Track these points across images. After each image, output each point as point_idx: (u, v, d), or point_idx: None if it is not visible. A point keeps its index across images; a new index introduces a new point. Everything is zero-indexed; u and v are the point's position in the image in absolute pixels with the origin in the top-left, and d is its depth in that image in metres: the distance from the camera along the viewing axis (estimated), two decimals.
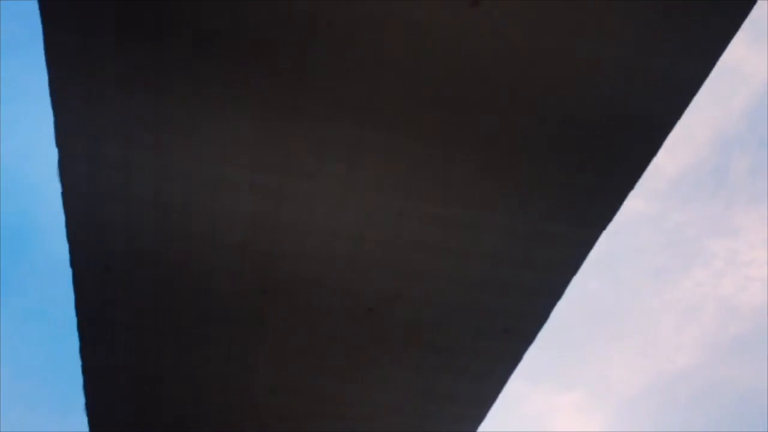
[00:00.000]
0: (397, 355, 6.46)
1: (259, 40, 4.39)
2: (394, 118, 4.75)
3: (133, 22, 4.35)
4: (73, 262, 5.71)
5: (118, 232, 5.53)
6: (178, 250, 5.67)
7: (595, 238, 5.31)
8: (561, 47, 4.32)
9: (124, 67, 4.58)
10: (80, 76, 4.64)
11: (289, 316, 6.17)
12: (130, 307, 6.10)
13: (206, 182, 5.21)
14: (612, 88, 4.51)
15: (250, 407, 7.13)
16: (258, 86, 4.62)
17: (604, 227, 5.23)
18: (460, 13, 4.20)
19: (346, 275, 5.81)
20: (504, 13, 4.17)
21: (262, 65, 4.51)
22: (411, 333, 6.25)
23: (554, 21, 4.20)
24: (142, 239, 5.59)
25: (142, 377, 6.77)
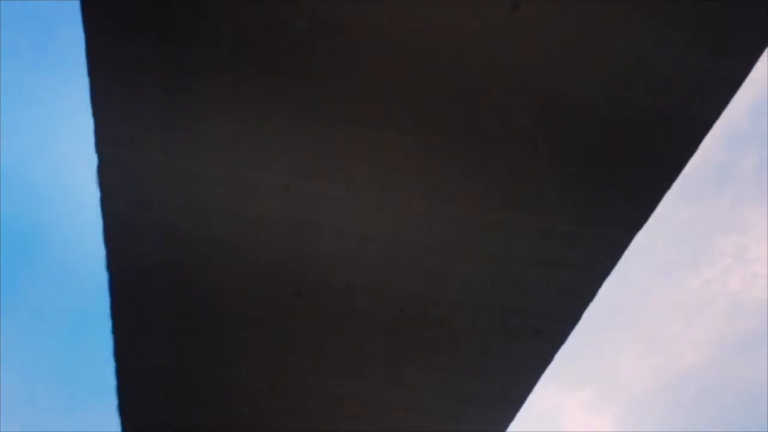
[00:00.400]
0: (429, 356, 6.49)
1: (296, 46, 4.42)
2: (430, 120, 4.78)
3: (173, 29, 4.39)
4: (110, 267, 5.76)
5: (155, 236, 5.58)
6: (213, 254, 5.71)
7: (630, 238, 5.33)
8: (598, 48, 4.35)
9: (163, 73, 4.63)
10: (120, 83, 4.69)
11: (322, 318, 6.21)
12: (165, 311, 6.15)
13: (242, 187, 5.25)
14: (649, 88, 4.53)
15: (283, 409, 7.17)
16: (295, 91, 4.66)
17: (639, 227, 5.26)
18: (500, 16, 4.23)
19: (378, 277, 5.84)
20: (543, 15, 4.20)
21: (299, 70, 4.55)
22: (442, 334, 6.29)
23: (592, 23, 4.23)
24: (178, 244, 5.63)
25: (176, 380, 6.82)
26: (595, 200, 5.14)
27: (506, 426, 7.30)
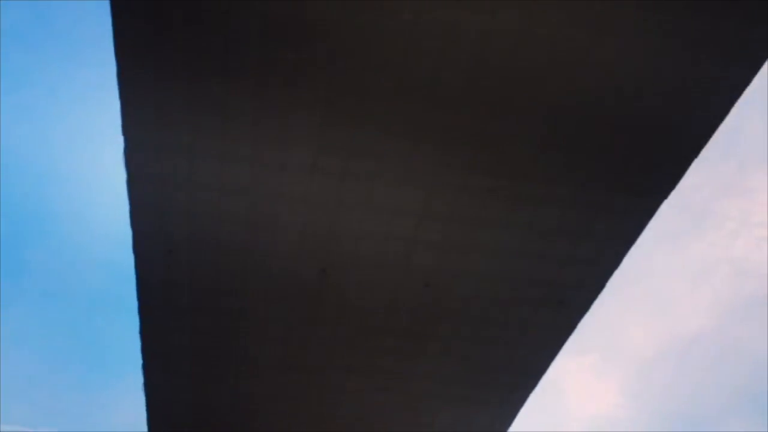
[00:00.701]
0: (453, 328, 6.56)
1: (323, 24, 4.40)
2: (457, 96, 4.78)
3: (201, 11, 4.36)
4: (136, 247, 5.79)
5: (181, 216, 5.60)
6: (238, 233, 5.74)
7: (655, 207, 5.36)
8: (628, 19, 4.33)
9: (190, 55, 4.61)
10: (147, 65, 4.67)
11: (347, 294, 6.26)
12: (191, 290, 6.20)
13: (269, 166, 5.26)
14: (676, 59, 4.52)
15: (307, 384, 7.26)
16: (321, 70, 4.64)
17: (665, 197, 5.28)
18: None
19: (404, 252, 5.88)
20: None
21: (326, 48, 4.53)
22: (467, 306, 6.34)
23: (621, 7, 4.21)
24: (203, 223, 5.66)
25: (201, 357, 6.89)
26: (621, 170, 5.16)
27: (527, 393, 7.40)
